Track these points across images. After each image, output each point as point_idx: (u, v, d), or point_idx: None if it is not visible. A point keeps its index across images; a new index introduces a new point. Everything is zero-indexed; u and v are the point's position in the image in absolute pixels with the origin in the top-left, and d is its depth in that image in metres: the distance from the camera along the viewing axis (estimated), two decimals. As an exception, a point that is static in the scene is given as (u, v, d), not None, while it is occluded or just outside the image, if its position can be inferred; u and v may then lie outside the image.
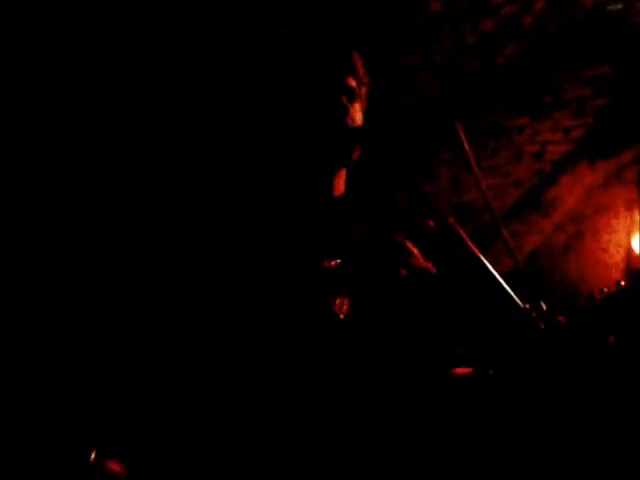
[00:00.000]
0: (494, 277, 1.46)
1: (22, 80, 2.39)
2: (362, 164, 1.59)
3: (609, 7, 3.44)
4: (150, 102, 2.53)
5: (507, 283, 1.47)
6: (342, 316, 1.45)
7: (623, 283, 1.42)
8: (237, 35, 2.55)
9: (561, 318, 1.42)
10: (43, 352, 2.19)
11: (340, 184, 1.61)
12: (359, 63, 1.59)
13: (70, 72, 2.47)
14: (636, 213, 4.24)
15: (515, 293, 1.47)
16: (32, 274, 2.31)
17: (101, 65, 2.48)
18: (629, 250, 4.22)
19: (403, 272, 1.51)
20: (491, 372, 1.46)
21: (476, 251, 1.46)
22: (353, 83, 1.56)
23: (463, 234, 1.46)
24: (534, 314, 1.45)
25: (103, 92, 2.49)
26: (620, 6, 3.43)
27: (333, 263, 1.48)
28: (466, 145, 1.52)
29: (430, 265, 1.56)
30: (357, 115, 1.56)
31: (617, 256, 4.27)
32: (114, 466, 1.25)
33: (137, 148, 2.50)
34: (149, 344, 1.35)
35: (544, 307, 1.45)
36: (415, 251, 1.55)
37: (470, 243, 1.46)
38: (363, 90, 1.61)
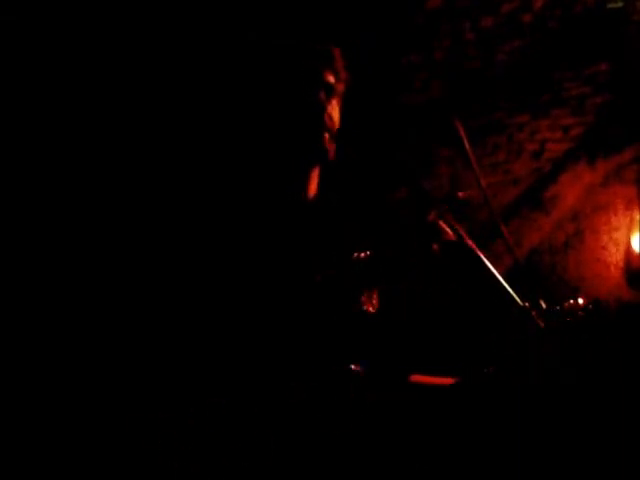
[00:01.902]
0: (493, 275, 1.46)
1: (23, 82, 2.39)
2: (362, 162, 1.58)
3: (609, 5, 3.43)
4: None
5: (506, 281, 1.47)
6: (372, 309, 1.44)
7: None
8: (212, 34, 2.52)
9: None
10: (44, 351, 2.19)
11: (314, 183, 1.57)
12: (339, 59, 1.54)
13: (70, 74, 2.47)
14: (636, 212, 4.24)
15: (514, 291, 1.47)
16: (33, 274, 2.31)
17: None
18: (628, 249, 4.22)
19: (435, 247, 1.44)
20: (490, 370, 1.46)
21: (475, 248, 1.46)
22: (332, 79, 1.51)
23: (462, 232, 1.46)
24: (533, 312, 1.45)
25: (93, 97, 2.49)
26: (620, 4, 3.43)
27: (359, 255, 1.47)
28: (466, 143, 1.52)
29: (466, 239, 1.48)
30: (335, 112, 1.52)
31: (616, 255, 4.27)
32: None
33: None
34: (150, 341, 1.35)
35: (543, 305, 1.45)
36: (448, 230, 1.47)
37: (469, 240, 1.46)
38: (341, 87, 1.55)
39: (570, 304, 1.46)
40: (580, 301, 1.47)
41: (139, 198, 2.36)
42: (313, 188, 1.57)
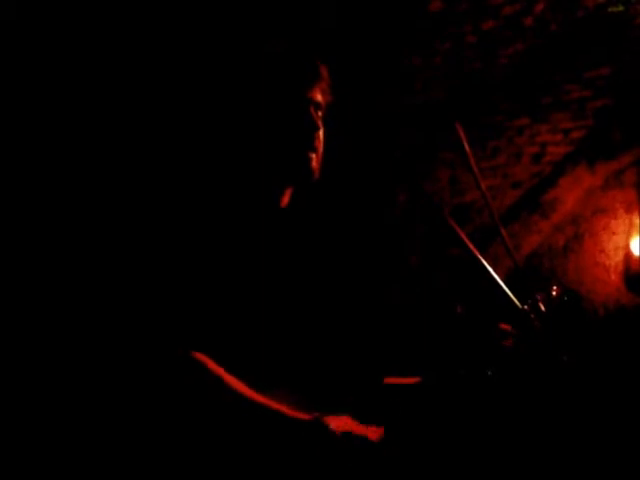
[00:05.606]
0: (493, 278, 1.46)
1: (22, 82, 2.39)
2: (363, 164, 1.57)
3: (610, 9, 3.44)
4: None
5: (505, 284, 1.47)
6: None
7: None
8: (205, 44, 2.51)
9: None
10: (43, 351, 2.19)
11: (287, 198, 1.51)
12: (326, 78, 1.48)
13: (69, 74, 2.47)
14: (635, 216, 4.25)
15: (513, 294, 1.47)
16: (32, 274, 2.31)
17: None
18: (628, 252, 4.23)
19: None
20: (490, 372, 1.46)
21: (475, 251, 1.46)
22: (319, 98, 1.45)
23: (462, 234, 1.46)
24: (532, 315, 1.45)
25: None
26: (621, 8, 3.43)
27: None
28: (466, 146, 1.52)
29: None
30: (321, 132, 1.45)
31: (616, 258, 4.27)
32: None
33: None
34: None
35: (542, 308, 1.45)
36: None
37: (469, 243, 1.46)
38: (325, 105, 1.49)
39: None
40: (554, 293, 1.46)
41: (132, 197, 2.37)
42: (285, 201, 1.50)
